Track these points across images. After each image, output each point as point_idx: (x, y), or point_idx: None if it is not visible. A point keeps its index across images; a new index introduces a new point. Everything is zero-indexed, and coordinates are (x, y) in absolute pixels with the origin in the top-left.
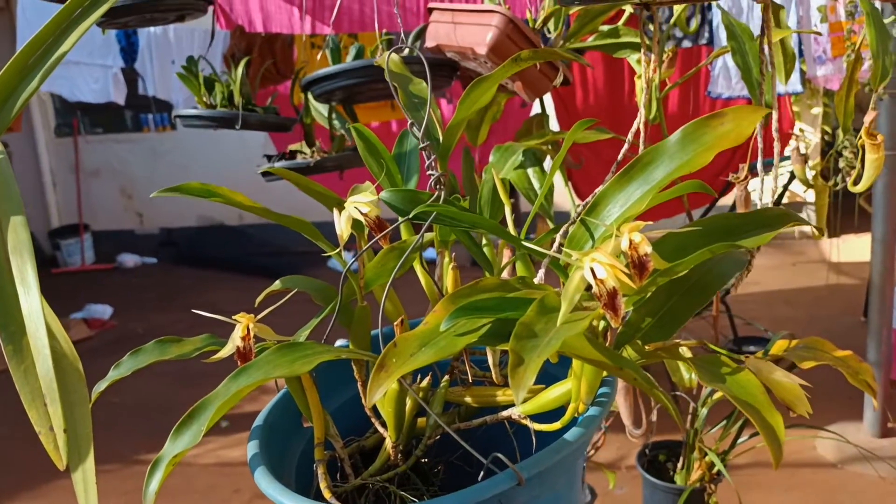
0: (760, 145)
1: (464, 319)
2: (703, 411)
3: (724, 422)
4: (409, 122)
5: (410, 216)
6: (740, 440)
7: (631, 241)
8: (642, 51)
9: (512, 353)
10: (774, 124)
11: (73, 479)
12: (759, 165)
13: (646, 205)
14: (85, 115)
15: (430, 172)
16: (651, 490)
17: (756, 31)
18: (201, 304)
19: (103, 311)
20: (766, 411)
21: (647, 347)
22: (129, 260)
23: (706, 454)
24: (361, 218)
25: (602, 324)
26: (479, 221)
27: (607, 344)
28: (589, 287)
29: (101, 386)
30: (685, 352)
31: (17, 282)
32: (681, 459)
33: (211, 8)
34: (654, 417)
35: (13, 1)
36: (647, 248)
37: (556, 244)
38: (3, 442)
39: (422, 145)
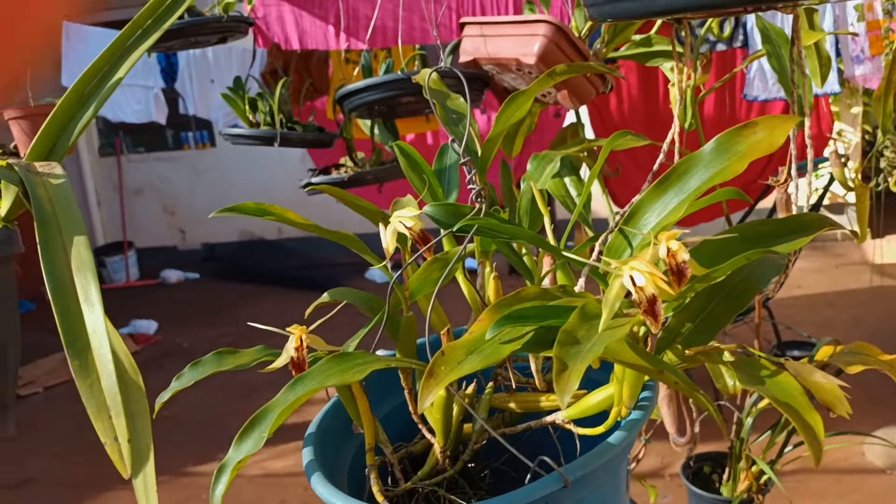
0: (793, 150)
1: (507, 328)
2: (749, 420)
3: (770, 431)
4: (451, 138)
5: (454, 229)
6: (787, 449)
7: (668, 249)
8: (675, 60)
9: (556, 359)
10: (807, 131)
11: (134, 487)
12: (793, 169)
13: (682, 213)
14: (127, 135)
15: (470, 186)
16: (697, 502)
17: (791, 32)
18: (244, 317)
19: (148, 326)
20: (805, 412)
21: (687, 352)
22: (173, 276)
23: (753, 464)
24: (406, 232)
25: (642, 329)
26: (518, 233)
27: (648, 349)
28: (628, 294)
29: (165, 396)
30: (725, 356)
31: (81, 299)
32: (726, 470)
33: (251, 28)
34: (697, 428)
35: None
36: (684, 256)
37: (595, 252)
38: (62, 456)
39: (462, 161)
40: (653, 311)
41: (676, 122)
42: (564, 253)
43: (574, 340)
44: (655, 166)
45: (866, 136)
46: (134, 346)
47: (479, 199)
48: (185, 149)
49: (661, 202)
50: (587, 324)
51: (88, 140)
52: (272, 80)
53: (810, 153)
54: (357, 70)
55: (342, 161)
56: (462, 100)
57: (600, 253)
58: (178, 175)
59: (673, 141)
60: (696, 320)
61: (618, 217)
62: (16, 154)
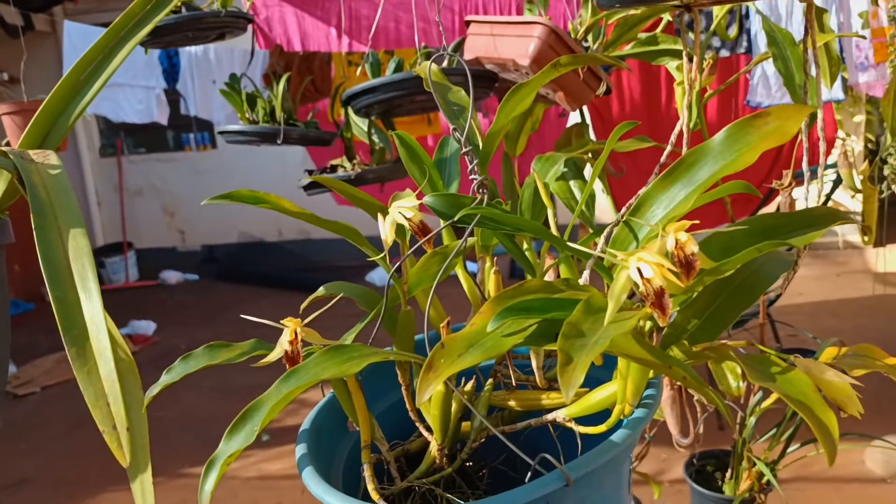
0: (806, 148)
1: (510, 320)
2: (752, 420)
3: (774, 431)
4: (452, 127)
5: (455, 219)
6: (790, 450)
7: (677, 241)
8: (683, 55)
9: (560, 352)
10: (820, 123)
11: (132, 486)
12: (804, 166)
13: (690, 205)
14: (128, 135)
15: (472, 177)
16: (699, 500)
17: (797, 36)
18: (242, 319)
19: (147, 327)
20: (819, 409)
21: (694, 348)
22: (172, 277)
23: (755, 464)
24: (405, 223)
25: (648, 325)
26: (522, 223)
27: (654, 345)
28: (634, 288)
29: (154, 390)
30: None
31: (78, 288)
32: (729, 469)
33: (250, 27)
34: (700, 429)
35: (59, 26)
36: (693, 248)
37: (600, 245)
38: (58, 456)
39: (464, 150)
40: (661, 303)
41: (684, 114)
42: (569, 244)
43: (579, 333)
44: (662, 159)
45: (868, 145)
46: (132, 347)
47: (480, 190)
48: (186, 150)
49: (669, 194)
50: (592, 316)
51: (89, 140)
52: (274, 81)
53: (823, 149)
54: (361, 69)
55: (336, 162)
56: (464, 93)
57: (605, 247)
58: (179, 176)
59: (680, 135)
60: (702, 316)
61: (624, 209)
62: None
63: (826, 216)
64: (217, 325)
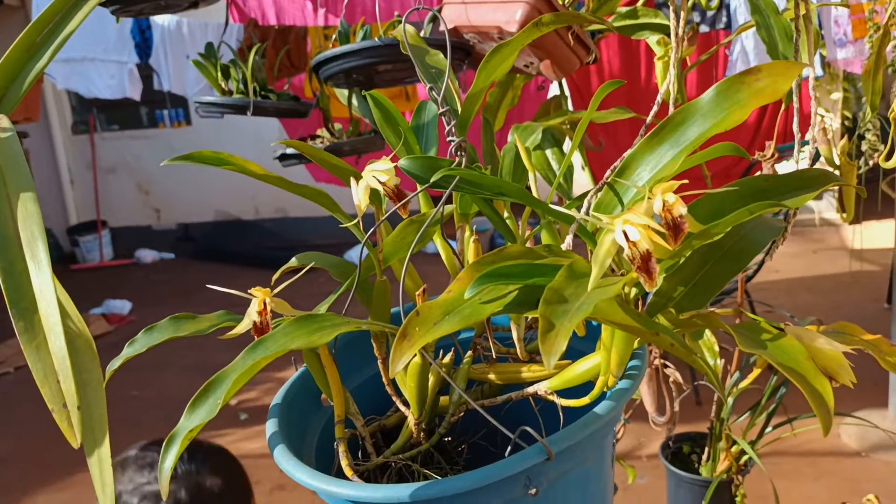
0: (797, 108)
1: (489, 287)
2: (730, 400)
3: (750, 412)
4: (428, 87)
5: (431, 182)
6: (767, 430)
7: (664, 203)
8: (671, 17)
9: (542, 318)
10: (812, 83)
11: (88, 463)
12: (796, 138)
13: (678, 166)
14: (101, 112)
15: (450, 139)
16: (676, 482)
17: (780, 5)
18: (218, 297)
19: (122, 306)
20: (812, 377)
21: (680, 316)
22: (147, 255)
23: (733, 444)
24: (380, 187)
25: (633, 292)
26: (503, 186)
27: (639, 312)
28: (614, 263)
29: (115, 364)
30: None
31: (27, 257)
32: (706, 450)
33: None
34: (676, 407)
35: (28, 0)
36: (681, 209)
37: (584, 209)
38: (32, 437)
39: (441, 110)
40: (647, 267)
41: (671, 71)
42: (552, 207)
43: (561, 299)
44: (648, 119)
45: (845, 122)
46: (107, 327)
47: (459, 153)
48: (160, 127)
49: (655, 155)
50: (575, 282)
51: (61, 117)
52: (248, 53)
53: (807, 121)
54: (333, 40)
55: (319, 132)
56: (442, 56)
57: (588, 210)
58: (153, 153)
59: (664, 101)
60: (689, 284)
61: (609, 173)
62: None
63: (819, 178)
64: (193, 304)
